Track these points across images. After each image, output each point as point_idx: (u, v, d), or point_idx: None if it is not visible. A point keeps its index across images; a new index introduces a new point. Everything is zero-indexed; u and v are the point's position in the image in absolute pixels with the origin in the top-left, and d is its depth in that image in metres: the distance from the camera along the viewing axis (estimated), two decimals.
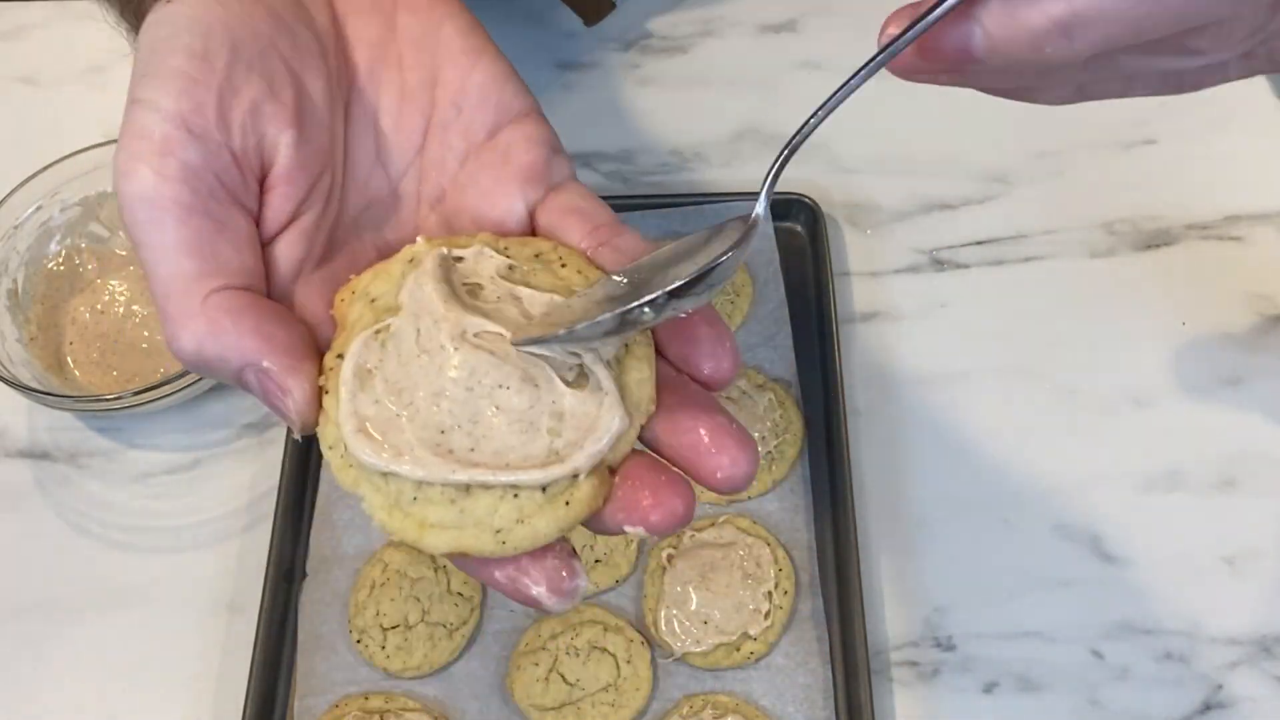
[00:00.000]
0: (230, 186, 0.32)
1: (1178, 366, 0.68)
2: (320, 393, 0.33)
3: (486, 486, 0.32)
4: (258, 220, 0.33)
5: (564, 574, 0.32)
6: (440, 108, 0.36)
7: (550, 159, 0.37)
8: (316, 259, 0.35)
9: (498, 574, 0.32)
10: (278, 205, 0.33)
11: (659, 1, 0.84)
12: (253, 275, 0.32)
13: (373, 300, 0.34)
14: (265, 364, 0.31)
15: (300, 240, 0.34)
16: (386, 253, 0.35)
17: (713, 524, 0.62)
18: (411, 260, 0.34)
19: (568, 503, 0.32)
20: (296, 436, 0.33)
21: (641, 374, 0.34)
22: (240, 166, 0.32)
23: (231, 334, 0.31)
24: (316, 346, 0.33)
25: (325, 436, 0.33)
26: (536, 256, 0.35)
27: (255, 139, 0.33)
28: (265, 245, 0.33)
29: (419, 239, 0.35)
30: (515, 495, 0.32)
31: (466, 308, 0.33)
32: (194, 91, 0.32)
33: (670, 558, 0.61)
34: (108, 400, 0.64)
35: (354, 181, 0.36)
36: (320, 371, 0.33)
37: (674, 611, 0.60)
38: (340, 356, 0.33)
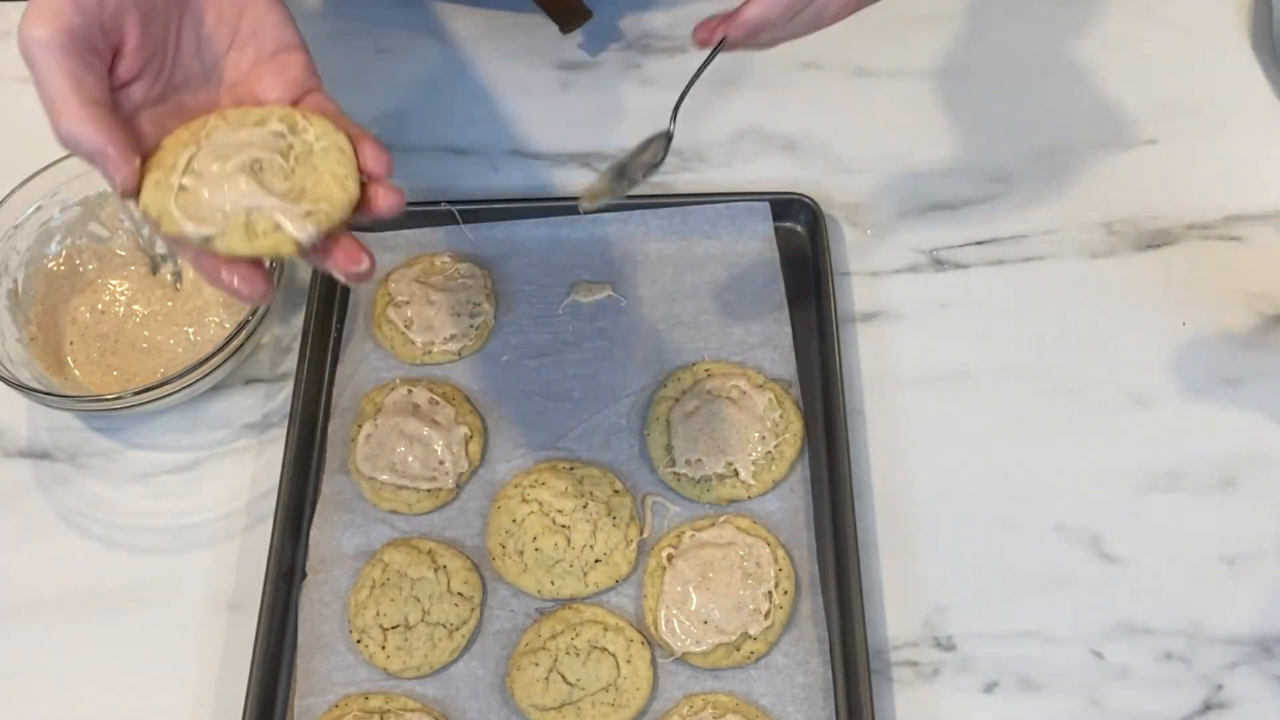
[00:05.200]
0: (96, 47, 0.49)
1: (1178, 366, 0.68)
2: (141, 175, 0.50)
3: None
4: (110, 73, 0.51)
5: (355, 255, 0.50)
6: (242, 31, 0.55)
7: (308, 78, 0.55)
8: (154, 103, 0.53)
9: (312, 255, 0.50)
10: (124, 68, 0.51)
11: (659, 1, 0.84)
12: (106, 102, 0.50)
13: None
14: (109, 150, 0.48)
15: (139, 92, 0.52)
16: (198, 111, 0.54)
17: (713, 524, 0.62)
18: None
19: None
20: (119, 197, 0.51)
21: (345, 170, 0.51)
22: (105, 37, 0.50)
23: (92, 130, 0.48)
24: (141, 150, 0.51)
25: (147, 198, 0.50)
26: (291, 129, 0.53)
27: (117, 23, 0.50)
28: (117, 89, 0.51)
29: (213, 114, 0.53)
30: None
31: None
32: None
33: (670, 557, 0.61)
34: (108, 400, 0.64)
35: (180, 62, 0.54)
36: (143, 164, 0.51)
37: (674, 611, 0.60)
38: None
